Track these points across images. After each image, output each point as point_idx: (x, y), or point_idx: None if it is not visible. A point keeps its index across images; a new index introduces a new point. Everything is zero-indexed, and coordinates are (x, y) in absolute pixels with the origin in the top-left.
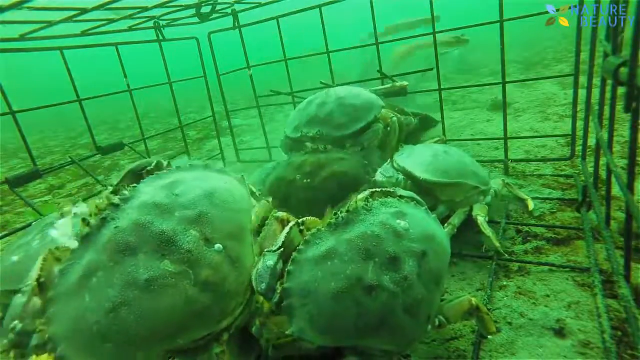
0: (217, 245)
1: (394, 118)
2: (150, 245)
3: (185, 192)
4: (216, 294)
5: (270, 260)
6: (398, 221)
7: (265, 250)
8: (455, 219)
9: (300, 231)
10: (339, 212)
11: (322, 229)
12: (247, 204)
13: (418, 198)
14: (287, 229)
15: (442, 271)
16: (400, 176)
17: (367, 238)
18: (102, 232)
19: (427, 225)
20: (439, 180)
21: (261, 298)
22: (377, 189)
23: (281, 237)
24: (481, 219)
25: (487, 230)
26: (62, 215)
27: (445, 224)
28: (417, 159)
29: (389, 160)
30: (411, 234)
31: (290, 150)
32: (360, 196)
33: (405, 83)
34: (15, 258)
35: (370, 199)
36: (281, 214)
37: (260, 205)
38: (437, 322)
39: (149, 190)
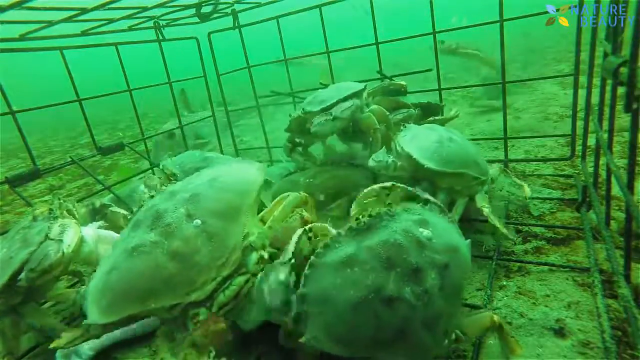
0: (196, 221)
1: (379, 129)
2: (148, 220)
3: (196, 178)
4: (183, 264)
5: (282, 274)
6: (421, 230)
7: (275, 262)
8: (456, 214)
9: (309, 239)
10: (360, 217)
11: (343, 233)
12: (252, 188)
13: (435, 201)
14: (295, 238)
15: (463, 283)
16: (390, 159)
17: (390, 246)
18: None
19: (450, 236)
20: (443, 169)
21: None
22: (378, 186)
23: (290, 248)
24: (487, 211)
25: (495, 220)
26: (34, 219)
27: None
28: (422, 143)
29: (393, 143)
30: (434, 244)
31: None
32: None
33: (403, 82)
34: None
35: (394, 205)
36: (307, 215)
37: (293, 197)
38: (454, 337)
39: (179, 182)
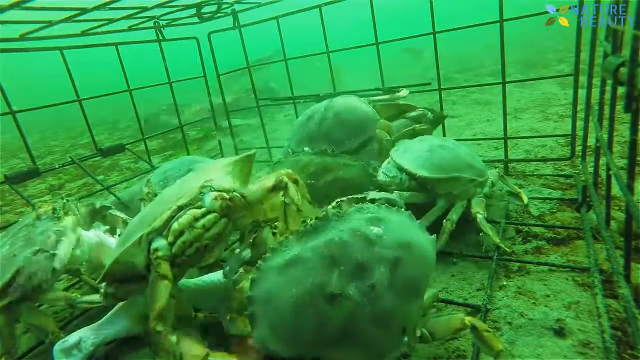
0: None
1: (388, 138)
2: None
3: None
4: (159, 203)
5: (244, 252)
6: (371, 227)
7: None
8: (454, 215)
9: (274, 234)
10: (307, 220)
11: (290, 237)
12: (228, 161)
13: (394, 197)
14: (260, 230)
15: (422, 280)
16: (404, 175)
17: (334, 245)
18: None
19: (405, 232)
20: (435, 176)
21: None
22: (346, 198)
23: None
24: (480, 217)
25: (487, 227)
26: (38, 217)
27: (444, 220)
28: (413, 154)
29: (389, 159)
30: (384, 240)
31: None
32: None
33: (405, 94)
34: None
35: (344, 206)
36: (274, 176)
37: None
38: (418, 334)
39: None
